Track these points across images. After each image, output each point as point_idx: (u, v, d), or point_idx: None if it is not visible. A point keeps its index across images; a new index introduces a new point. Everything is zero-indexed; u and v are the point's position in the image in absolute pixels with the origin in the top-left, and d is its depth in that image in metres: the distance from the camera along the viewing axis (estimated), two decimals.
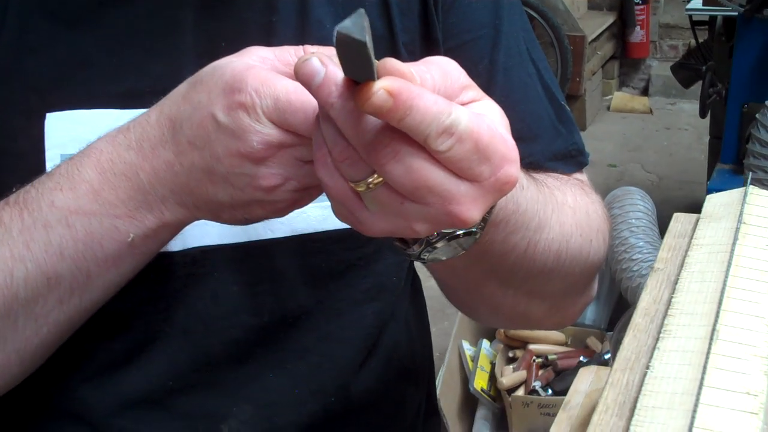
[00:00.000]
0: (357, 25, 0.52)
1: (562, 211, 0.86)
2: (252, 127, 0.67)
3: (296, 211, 0.88)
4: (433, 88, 0.59)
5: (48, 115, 0.84)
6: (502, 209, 0.73)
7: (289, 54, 0.70)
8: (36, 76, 0.84)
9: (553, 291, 0.90)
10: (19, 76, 0.84)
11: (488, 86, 0.93)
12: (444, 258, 0.70)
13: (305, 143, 0.67)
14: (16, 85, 0.84)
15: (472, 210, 0.60)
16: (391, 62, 0.56)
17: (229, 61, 0.70)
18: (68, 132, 0.78)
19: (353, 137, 0.58)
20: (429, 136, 0.56)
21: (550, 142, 0.96)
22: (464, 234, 0.69)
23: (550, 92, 0.98)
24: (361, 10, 0.53)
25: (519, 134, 0.93)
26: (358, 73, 0.56)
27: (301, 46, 0.71)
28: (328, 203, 0.85)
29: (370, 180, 0.60)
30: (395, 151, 0.57)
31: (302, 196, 0.72)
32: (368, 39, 0.52)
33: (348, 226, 0.90)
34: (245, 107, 0.66)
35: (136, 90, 0.81)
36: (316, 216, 0.90)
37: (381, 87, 0.54)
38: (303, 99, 0.66)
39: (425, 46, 0.93)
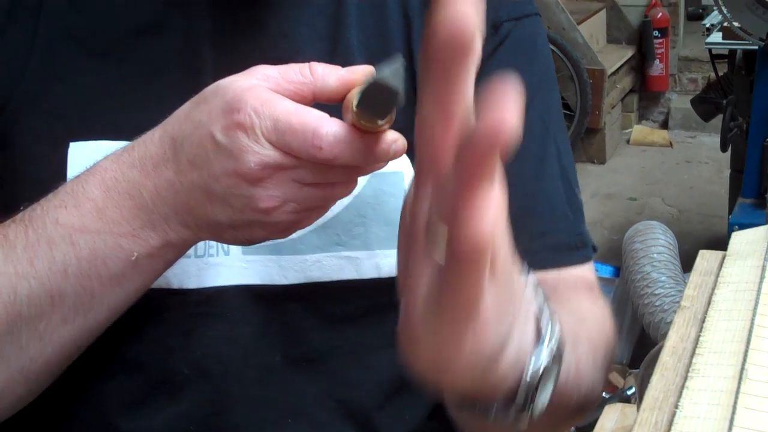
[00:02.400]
0: (396, 73, 0.52)
1: (585, 322, 0.82)
2: (250, 148, 0.66)
3: (312, 260, 0.88)
4: None
5: (71, 144, 0.84)
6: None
7: (293, 71, 0.69)
8: (62, 105, 0.85)
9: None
10: (45, 103, 0.85)
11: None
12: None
13: (303, 165, 0.67)
14: (41, 113, 0.85)
15: None
16: None
17: (232, 80, 0.69)
18: (90, 161, 0.78)
19: None
20: None
21: (555, 225, 0.94)
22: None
23: (565, 175, 0.96)
24: (400, 57, 0.53)
25: (526, 210, 0.92)
26: (376, 111, 0.56)
27: (306, 64, 0.70)
28: (346, 253, 0.84)
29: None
30: None
31: (303, 217, 0.71)
32: (402, 89, 0.52)
33: (365, 277, 0.90)
34: (244, 128, 0.66)
35: (159, 124, 0.82)
36: (332, 265, 0.89)
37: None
38: (303, 121, 0.65)
39: None
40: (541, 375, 0.59)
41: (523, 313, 0.59)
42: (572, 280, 0.93)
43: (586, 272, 0.95)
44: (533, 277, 0.64)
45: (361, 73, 0.68)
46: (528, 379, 0.59)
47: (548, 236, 0.93)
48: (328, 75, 0.68)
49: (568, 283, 0.91)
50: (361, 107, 0.61)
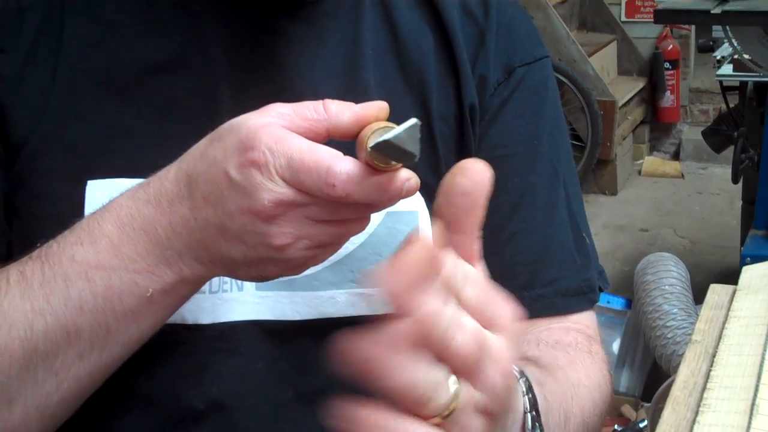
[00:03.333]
0: (412, 137, 0.53)
1: (579, 393, 0.86)
2: (264, 185, 0.66)
3: (325, 296, 0.89)
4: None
5: (89, 182, 0.85)
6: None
7: (307, 109, 0.70)
8: (80, 143, 0.86)
9: None
10: (64, 142, 0.86)
11: (518, 204, 0.95)
12: None
13: (317, 203, 0.67)
14: (60, 151, 0.86)
15: None
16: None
17: (246, 118, 0.70)
18: (107, 199, 0.79)
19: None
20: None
21: (565, 271, 0.97)
22: None
23: (574, 220, 0.99)
24: (416, 122, 0.54)
25: (537, 257, 0.96)
26: (391, 157, 0.56)
27: (320, 101, 0.70)
28: (360, 290, 0.85)
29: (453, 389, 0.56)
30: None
31: (316, 254, 0.71)
32: (418, 150, 0.54)
33: (377, 312, 0.90)
34: (258, 165, 0.66)
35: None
36: (345, 301, 0.89)
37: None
38: (316, 158, 0.66)
39: (458, 150, 0.94)
40: None
41: (511, 420, 0.66)
42: (573, 335, 0.95)
43: (587, 319, 0.99)
44: (525, 376, 0.73)
45: (375, 109, 0.69)
46: None
47: (558, 283, 0.96)
48: (342, 112, 0.69)
49: (569, 339, 0.94)
50: (375, 149, 0.62)
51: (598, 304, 1.02)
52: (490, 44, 0.96)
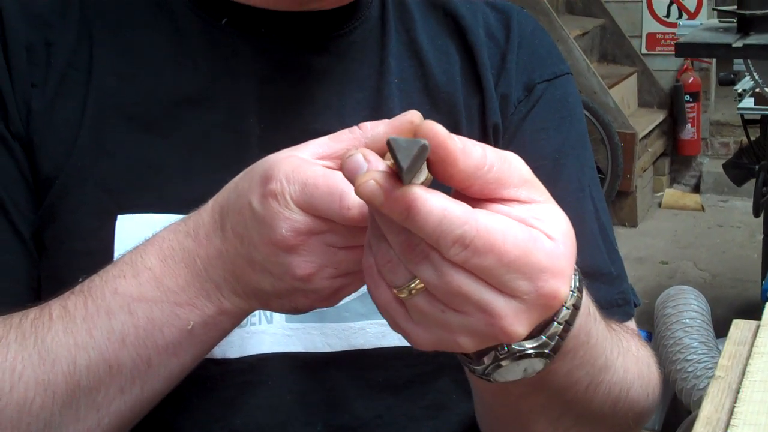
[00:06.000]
0: (409, 151, 0.53)
1: (627, 356, 0.83)
2: (281, 214, 0.67)
3: (355, 327, 0.89)
4: (479, 164, 0.58)
5: (119, 217, 0.86)
6: (574, 337, 0.69)
7: (343, 132, 0.71)
8: (110, 178, 0.87)
9: None
10: (93, 177, 0.86)
11: None
12: (511, 379, 0.67)
13: (335, 229, 0.67)
14: (90, 186, 0.86)
15: (515, 325, 0.59)
16: (430, 124, 0.56)
17: (278, 153, 0.71)
18: (138, 235, 0.80)
19: (389, 234, 0.59)
20: (439, 244, 0.56)
21: (598, 283, 0.94)
22: (535, 355, 0.65)
23: (605, 233, 0.97)
24: (425, 144, 0.54)
25: None
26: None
27: (355, 126, 0.70)
28: None
29: (412, 285, 0.60)
30: (425, 252, 0.57)
31: (345, 283, 0.71)
32: (408, 165, 0.53)
33: (408, 344, 0.90)
34: (275, 194, 0.67)
35: (205, 197, 0.81)
36: (375, 333, 0.89)
37: (372, 177, 0.55)
38: (330, 183, 0.66)
39: None
40: (519, 356, 0.65)
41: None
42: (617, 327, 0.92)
43: (629, 325, 0.96)
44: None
45: (409, 116, 0.66)
46: (507, 349, 0.65)
47: (591, 295, 0.94)
48: (376, 125, 0.68)
49: (615, 327, 0.91)
50: (388, 144, 0.61)
51: None
52: (510, 64, 0.96)
